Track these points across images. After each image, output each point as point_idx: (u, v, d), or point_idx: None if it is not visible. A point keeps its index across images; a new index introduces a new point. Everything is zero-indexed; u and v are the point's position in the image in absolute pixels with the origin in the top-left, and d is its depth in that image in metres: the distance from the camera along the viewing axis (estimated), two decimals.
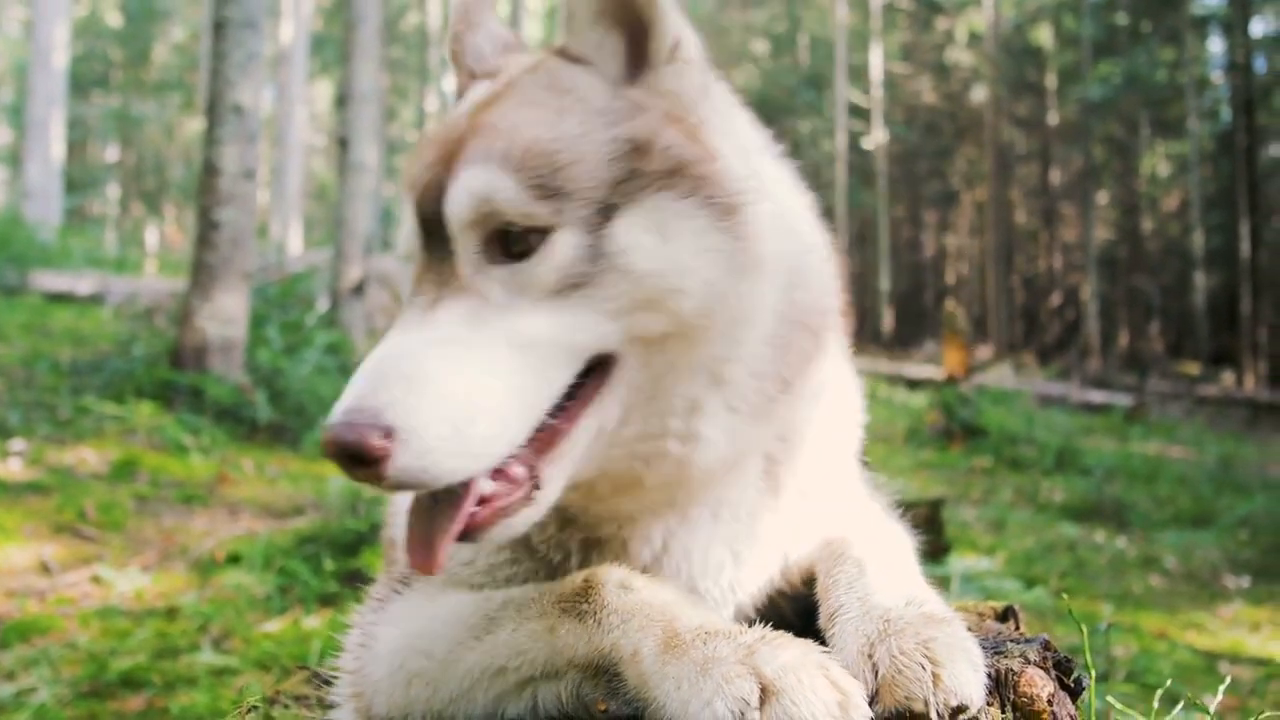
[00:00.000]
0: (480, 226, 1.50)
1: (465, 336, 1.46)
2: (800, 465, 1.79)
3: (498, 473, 1.47)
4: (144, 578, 5.86)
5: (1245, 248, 36.40)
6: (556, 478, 1.52)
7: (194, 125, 47.08)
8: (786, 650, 1.35)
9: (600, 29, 1.62)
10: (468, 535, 1.47)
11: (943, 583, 5.89)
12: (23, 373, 10.40)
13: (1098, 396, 25.05)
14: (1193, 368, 37.38)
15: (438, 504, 1.46)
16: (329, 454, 1.33)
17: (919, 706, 1.32)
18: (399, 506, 2.21)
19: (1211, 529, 11.71)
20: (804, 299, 1.66)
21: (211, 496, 7.70)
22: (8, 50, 47.45)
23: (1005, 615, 1.74)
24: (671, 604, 1.54)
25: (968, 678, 1.35)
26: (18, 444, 8.06)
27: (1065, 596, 1.85)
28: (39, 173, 24.51)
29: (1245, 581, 9.60)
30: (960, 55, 50.72)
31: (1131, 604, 8.53)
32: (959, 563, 5.17)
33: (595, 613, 1.54)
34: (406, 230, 1.61)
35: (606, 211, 1.49)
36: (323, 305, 14.54)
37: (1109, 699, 1.86)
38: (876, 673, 1.38)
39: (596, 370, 1.53)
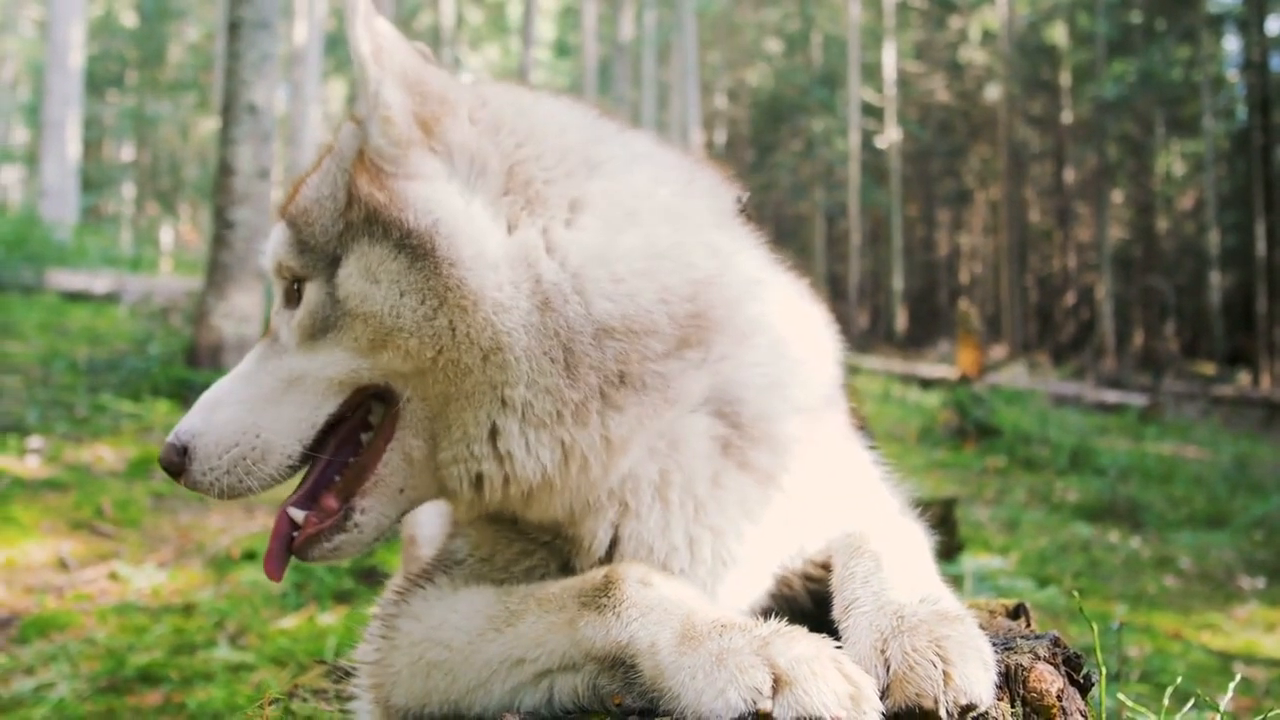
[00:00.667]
0: (279, 276, 1.80)
1: (251, 371, 1.79)
2: (768, 437, 1.78)
3: (315, 503, 1.75)
4: (161, 574, 5.91)
5: (1261, 247, 36.21)
6: (374, 507, 1.73)
7: (209, 125, 47.31)
8: (800, 643, 1.38)
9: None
10: (297, 554, 1.75)
11: (956, 582, 5.90)
12: (40, 371, 10.47)
13: (1112, 396, 24.94)
14: (1208, 367, 37.20)
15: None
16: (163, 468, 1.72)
17: (929, 704, 1.33)
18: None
19: (1226, 529, 11.65)
20: (584, 312, 1.65)
21: None
22: (24, 51, 47.73)
23: (1017, 613, 1.75)
24: (689, 599, 1.58)
25: (978, 677, 1.37)
26: (35, 442, 8.12)
27: (1077, 595, 1.86)
28: (55, 172, 24.65)
29: (1260, 582, 9.55)
30: (974, 54, 50.60)
31: (1146, 604, 8.50)
32: (971, 562, 5.16)
33: (615, 606, 1.57)
34: None
35: (335, 262, 1.70)
36: None
37: (1120, 696, 1.86)
38: (889, 668, 1.40)
39: (390, 407, 1.72)
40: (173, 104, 46.95)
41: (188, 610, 5.41)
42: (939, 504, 7.91)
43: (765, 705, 1.30)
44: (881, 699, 1.36)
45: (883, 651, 1.42)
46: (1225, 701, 1.85)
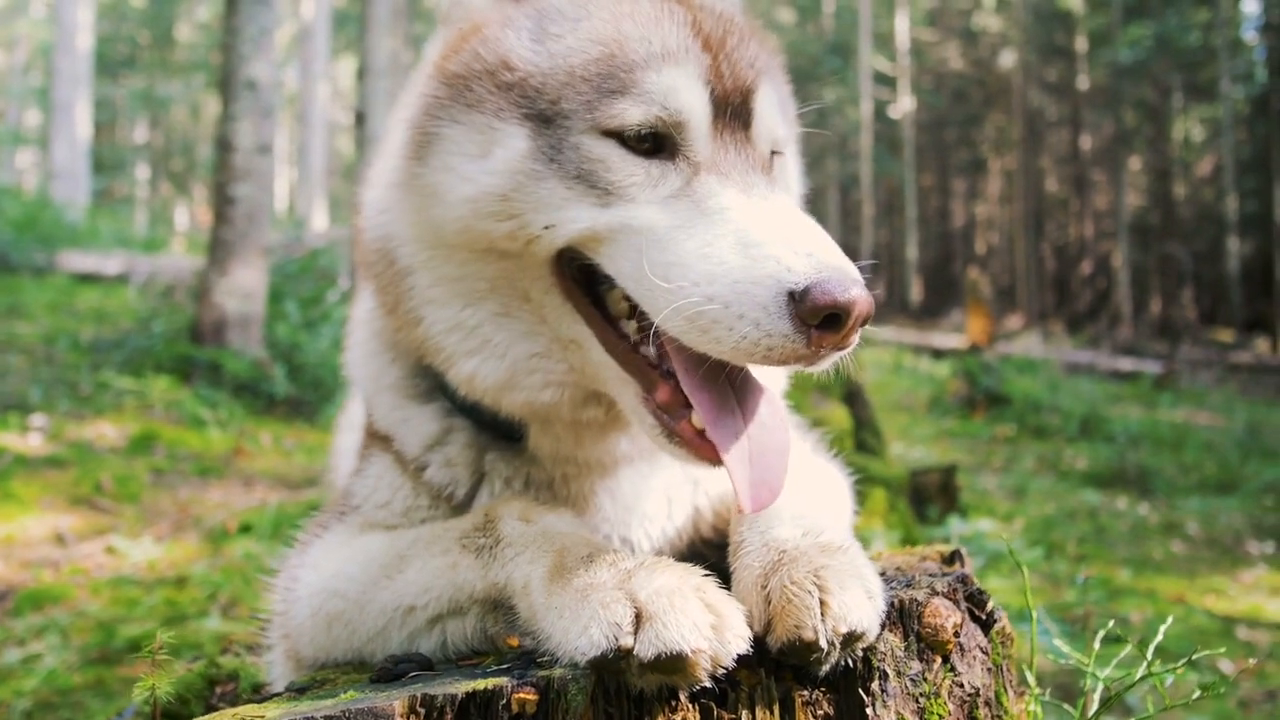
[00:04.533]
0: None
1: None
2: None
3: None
4: (157, 548, 5.95)
5: None
6: None
7: (219, 105, 47.27)
8: (663, 574, 1.34)
9: None
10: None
11: (944, 544, 5.88)
12: (44, 350, 10.53)
13: (1126, 364, 24.77)
14: (1226, 334, 36.86)
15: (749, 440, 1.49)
16: (845, 314, 1.35)
17: (809, 635, 1.30)
18: (339, 450, 2.24)
19: (1236, 495, 11.59)
20: None
21: (227, 469, 7.78)
22: (35, 34, 47.78)
23: (952, 559, 1.72)
24: (566, 534, 1.54)
25: (859, 604, 1.33)
26: (38, 419, 8.17)
27: (1061, 568, 1.83)
28: (65, 154, 24.75)
29: (1269, 547, 9.50)
30: (988, 20, 50.04)
31: (1151, 569, 8.46)
32: (959, 524, 5.13)
33: (491, 546, 1.55)
34: (678, 84, 1.58)
35: None
36: (343, 281, 14.60)
37: (1057, 641, 1.84)
38: (769, 603, 1.37)
39: None
40: (184, 84, 46.95)
41: (181, 583, 5.44)
42: (939, 471, 7.89)
43: (626, 641, 1.26)
44: (765, 636, 1.34)
45: (763, 587, 1.39)
46: (1153, 646, 1.83)
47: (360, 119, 14.48)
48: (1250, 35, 43.49)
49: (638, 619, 1.28)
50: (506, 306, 1.65)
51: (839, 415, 6.71)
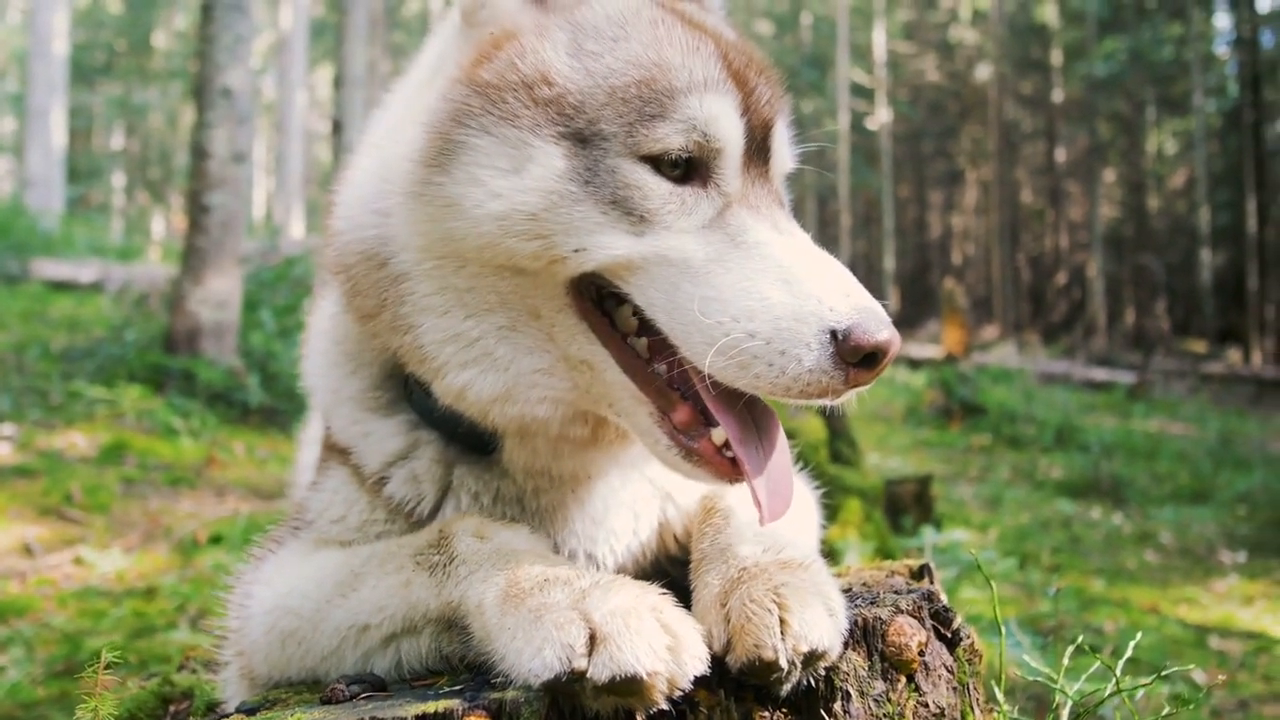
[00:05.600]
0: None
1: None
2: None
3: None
4: (126, 559, 5.88)
5: (1252, 224, 36.17)
6: None
7: (195, 113, 46.97)
8: (618, 594, 1.32)
9: None
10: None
11: (917, 555, 5.87)
12: (15, 359, 10.41)
13: (1101, 374, 24.93)
14: (1199, 345, 37.18)
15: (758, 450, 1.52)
16: (882, 354, 1.42)
17: (769, 654, 1.28)
18: (300, 464, 2.21)
19: (1209, 504, 11.66)
20: None
21: (199, 479, 7.71)
22: (10, 39, 47.44)
23: (920, 573, 1.71)
24: (520, 553, 1.52)
25: (819, 622, 1.32)
26: (7, 429, 8.07)
27: (1035, 578, 1.83)
28: (40, 161, 24.51)
29: (1241, 556, 9.55)
30: (964, 33, 50.40)
31: (1124, 579, 8.49)
32: (933, 534, 5.13)
33: (445, 564, 1.53)
34: (719, 114, 1.58)
35: None
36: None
37: (1027, 656, 1.83)
38: (729, 621, 1.35)
39: None
40: (161, 92, 46.68)
41: (150, 594, 5.38)
42: (915, 481, 7.90)
43: (580, 664, 1.24)
44: (725, 656, 1.32)
45: (723, 605, 1.37)
46: (1123, 661, 1.82)
47: (337, 128, 14.45)
48: (1222, 50, 44.03)
49: (592, 640, 1.26)
50: (514, 321, 1.61)
51: (814, 425, 6.71)
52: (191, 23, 48.56)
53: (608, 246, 1.51)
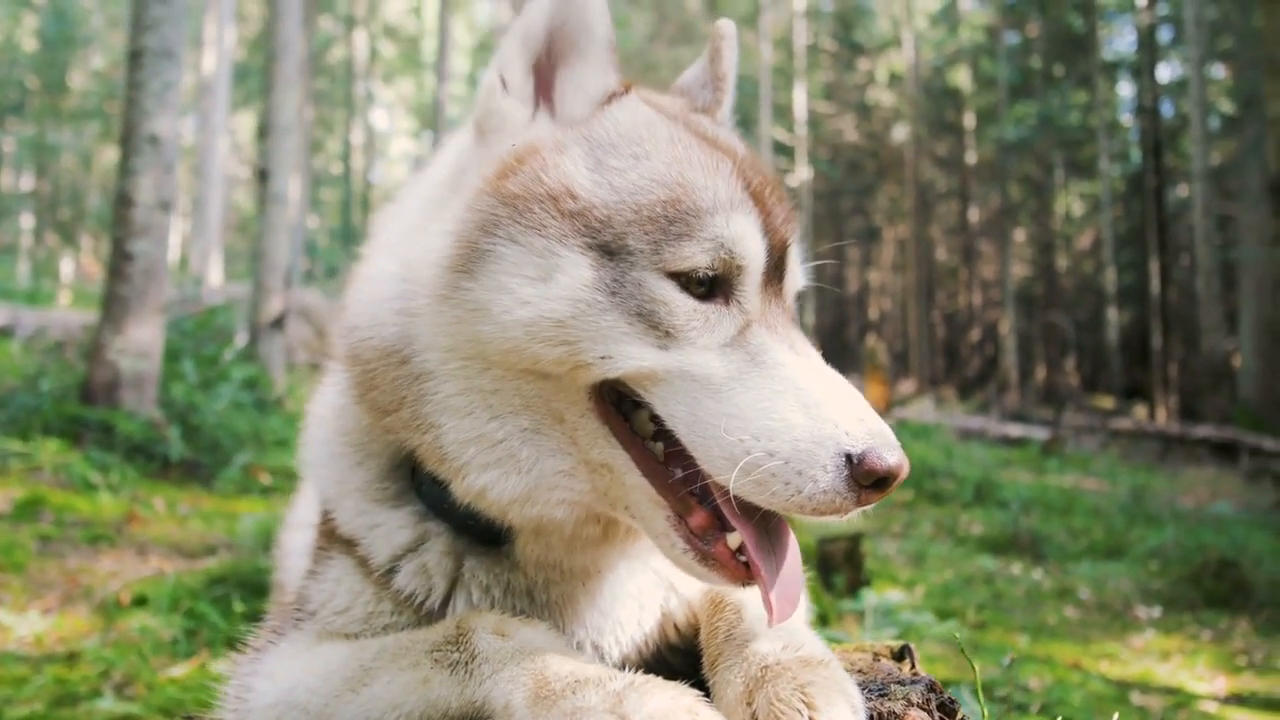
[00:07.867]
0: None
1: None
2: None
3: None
4: (44, 622, 5.66)
5: (1155, 285, 37.53)
6: None
7: (112, 155, 46.04)
8: (655, 696, 1.34)
9: None
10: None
11: (858, 618, 5.93)
12: None
13: (1015, 430, 25.50)
14: (1107, 401, 38.27)
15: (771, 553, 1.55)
16: (893, 478, 1.47)
17: None
18: (288, 549, 2.17)
19: (1124, 560, 11.96)
20: None
21: (119, 536, 7.47)
22: None
23: (901, 655, 1.75)
24: (545, 651, 1.52)
25: None
26: None
27: (961, 635, 1.87)
28: None
29: (1156, 612, 9.80)
30: (882, 95, 51.76)
31: (1047, 635, 8.66)
32: (874, 597, 5.20)
33: (466, 662, 1.52)
34: (744, 234, 1.62)
35: None
36: (241, 339, 14.26)
37: None
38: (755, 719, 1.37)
39: None
40: (75, 133, 45.68)
41: (71, 659, 5.18)
42: (845, 539, 7.99)
43: None
44: None
45: (749, 703, 1.40)
46: None
47: (263, 176, 14.28)
48: (1126, 117, 45.81)
49: None
50: (537, 424, 1.63)
51: None
52: (109, 63, 47.79)
53: (635, 357, 1.54)
